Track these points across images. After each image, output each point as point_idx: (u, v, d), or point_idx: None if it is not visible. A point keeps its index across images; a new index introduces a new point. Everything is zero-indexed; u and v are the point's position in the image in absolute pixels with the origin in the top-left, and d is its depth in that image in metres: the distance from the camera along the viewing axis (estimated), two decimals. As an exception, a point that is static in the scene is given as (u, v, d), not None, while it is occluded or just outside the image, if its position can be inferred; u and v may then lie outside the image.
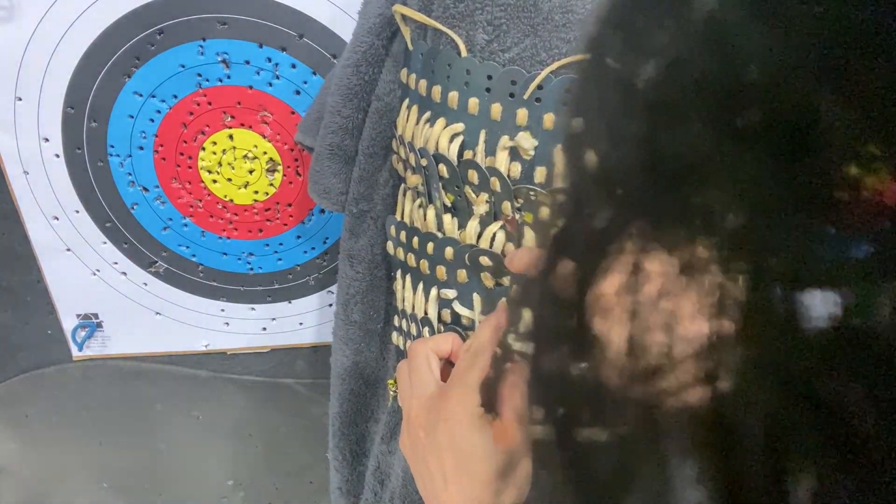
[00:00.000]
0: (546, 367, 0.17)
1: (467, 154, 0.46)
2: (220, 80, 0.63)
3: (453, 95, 0.46)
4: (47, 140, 0.65)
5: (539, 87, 0.43)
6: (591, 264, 0.15)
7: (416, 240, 0.51)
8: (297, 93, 0.64)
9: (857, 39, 0.11)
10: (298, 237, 0.73)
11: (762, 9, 0.11)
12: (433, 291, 0.51)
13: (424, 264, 0.51)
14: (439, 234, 0.50)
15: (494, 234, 0.47)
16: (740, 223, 0.13)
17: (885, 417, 0.12)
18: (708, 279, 0.14)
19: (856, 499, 0.13)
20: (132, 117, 0.64)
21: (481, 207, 0.47)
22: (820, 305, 0.12)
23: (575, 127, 0.16)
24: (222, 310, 0.78)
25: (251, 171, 0.68)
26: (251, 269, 0.75)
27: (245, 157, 0.67)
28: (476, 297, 0.49)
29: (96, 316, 0.77)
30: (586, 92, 0.16)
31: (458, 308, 0.50)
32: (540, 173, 0.44)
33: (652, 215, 0.14)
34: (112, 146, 0.66)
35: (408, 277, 0.53)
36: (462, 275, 0.49)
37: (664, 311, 0.15)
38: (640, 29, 0.14)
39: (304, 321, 0.79)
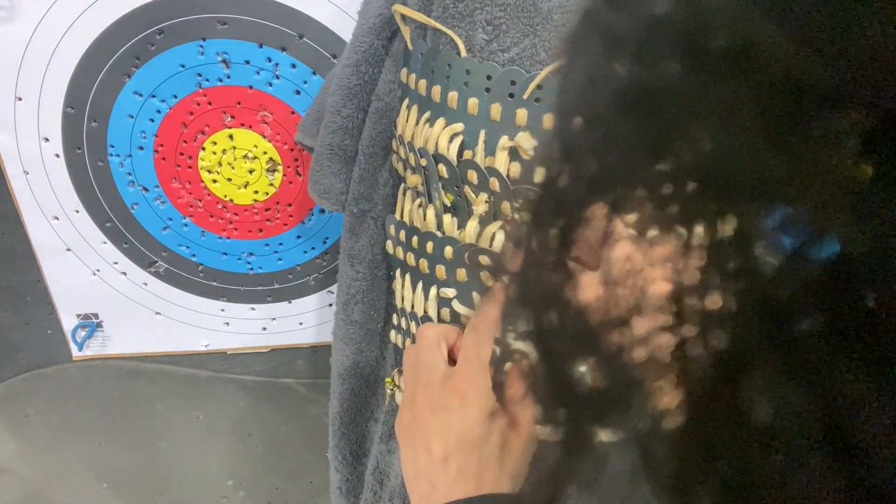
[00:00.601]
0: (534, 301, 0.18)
1: (467, 154, 0.46)
2: (220, 80, 0.63)
3: (453, 95, 0.46)
4: (47, 140, 0.65)
5: (539, 87, 0.43)
6: (567, 226, 0.17)
7: (415, 239, 0.51)
8: (297, 93, 0.64)
9: None
10: (298, 237, 0.73)
11: None
12: (433, 290, 0.51)
13: (424, 263, 0.51)
14: (439, 234, 0.50)
15: (494, 234, 0.47)
16: (712, 169, 0.14)
17: (833, 332, 0.13)
18: (676, 231, 0.15)
19: (803, 406, 0.14)
20: (132, 117, 0.64)
21: (481, 207, 0.47)
22: (778, 241, 0.14)
23: (560, 100, 0.17)
24: (222, 310, 0.78)
25: (251, 171, 0.68)
26: (251, 269, 0.75)
27: (245, 157, 0.67)
28: (475, 296, 0.49)
29: (96, 316, 0.77)
30: (573, 45, 0.17)
31: (458, 307, 0.50)
32: (540, 173, 0.44)
33: (626, 170, 0.16)
34: (112, 146, 0.66)
35: (407, 276, 0.53)
36: (461, 274, 0.49)
37: (632, 266, 0.16)
38: (618, 24, 0.15)
39: (304, 321, 0.79)
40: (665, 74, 0.14)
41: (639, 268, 0.16)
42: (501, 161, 0.45)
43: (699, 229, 0.15)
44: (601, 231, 0.16)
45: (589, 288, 0.17)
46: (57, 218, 0.69)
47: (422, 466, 0.42)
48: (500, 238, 0.47)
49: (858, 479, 0.14)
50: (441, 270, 0.50)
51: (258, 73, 0.63)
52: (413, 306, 0.53)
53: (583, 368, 0.18)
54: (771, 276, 0.14)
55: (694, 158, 0.14)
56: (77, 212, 0.69)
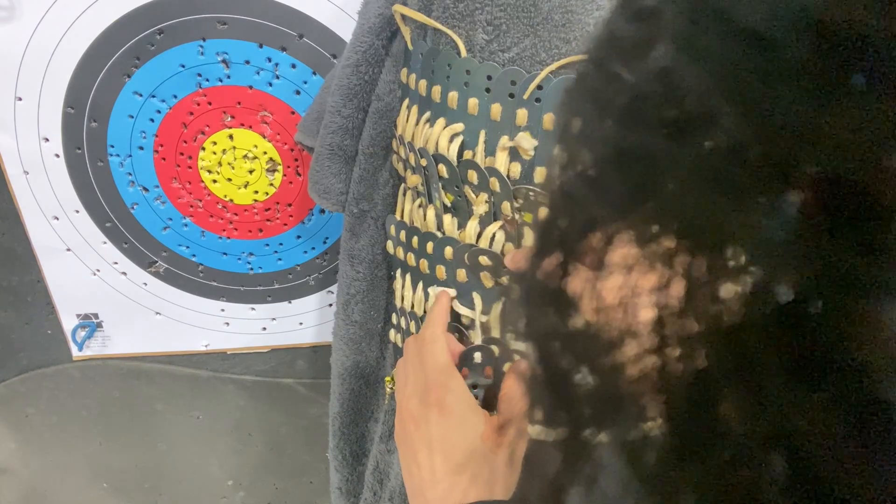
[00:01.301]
0: (535, 323, 0.21)
1: (467, 154, 0.46)
2: (220, 80, 0.63)
3: (453, 95, 0.46)
4: (47, 140, 0.65)
5: (539, 87, 0.43)
6: (567, 256, 0.20)
7: (415, 239, 0.51)
8: (297, 93, 0.64)
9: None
10: (298, 237, 0.73)
11: (699, 54, 0.16)
12: (433, 291, 0.51)
13: (424, 263, 0.51)
14: (439, 234, 0.50)
15: (494, 234, 0.47)
16: (683, 218, 0.17)
17: (791, 367, 0.16)
18: (658, 267, 0.18)
19: (761, 415, 0.16)
20: (132, 117, 0.64)
21: (481, 207, 0.47)
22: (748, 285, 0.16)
23: (560, 133, 0.20)
24: (222, 310, 0.78)
25: (251, 171, 0.68)
26: (251, 269, 0.75)
27: (245, 157, 0.67)
28: (475, 297, 0.49)
29: (96, 316, 0.77)
30: (569, 104, 0.20)
31: (458, 307, 0.50)
32: (539, 173, 0.44)
33: (615, 213, 0.19)
34: (112, 146, 0.66)
35: (408, 276, 0.53)
36: (461, 274, 0.49)
37: (623, 294, 0.19)
38: (609, 75, 0.18)
39: (304, 321, 0.79)
40: (643, 138, 0.17)
41: (628, 297, 0.19)
42: (501, 161, 0.45)
43: (678, 265, 0.17)
44: (595, 264, 0.19)
45: (585, 312, 0.20)
46: (57, 218, 0.69)
47: (415, 481, 0.43)
48: (500, 238, 0.47)
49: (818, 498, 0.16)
50: (441, 271, 0.50)
51: (258, 73, 0.63)
52: (413, 306, 0.53)
53: (579, 376, 0.20)
54: (737, 308, 0.16)
55: (670, 204, 0.17)
56: (77, 212, 0.69)
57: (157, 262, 0.74)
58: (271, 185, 0.69)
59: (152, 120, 0.64)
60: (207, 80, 0.63)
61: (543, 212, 0.45)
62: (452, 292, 0.50)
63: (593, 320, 0.19)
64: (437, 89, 0.47)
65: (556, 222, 0.20)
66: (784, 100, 0.15)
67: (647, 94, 0.17)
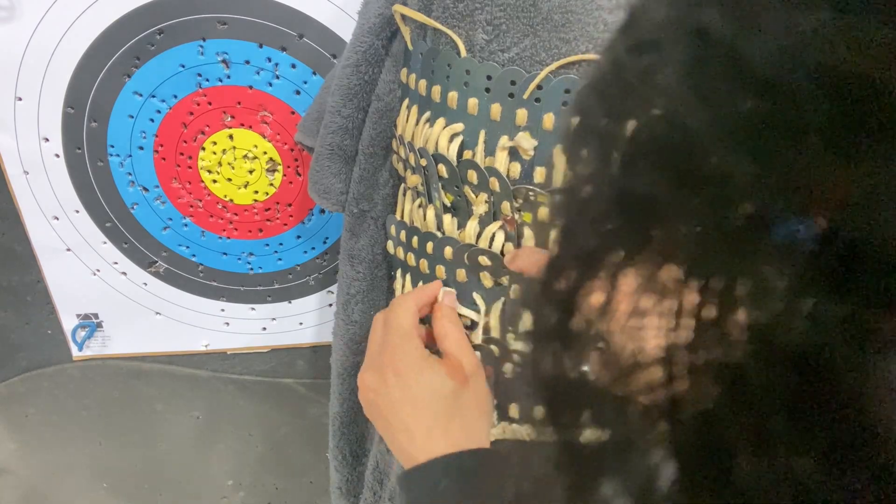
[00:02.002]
0: (542, 365, 0.21)
1: (467, 154, 0.46)
2: (220, 80, 0.63)
3: (453, 95, 0.46)
4: (47, 140, 0.65)
5: (539, 87, 0.43)
6: (580, 281, 0.20)
7: (415, 239, 0.51)
8: (297, 93, 0.64)
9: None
10: (298, 237, 0.73)
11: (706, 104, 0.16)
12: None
13: (424, 263, 0.51)
14: (439, 234, 0.50)
15: (494, 234, 0.47)
16: (691, 252, 0.17)
17: (794, 408, 0.16)
18: (668, 297, 0.18)
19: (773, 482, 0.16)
20: (132, 117, 0.64)
21: (480, 207, 0.47)
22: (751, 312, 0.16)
23: (569, 158, 0.20)
24: (222, 310, 0.78)
25: (251, 171, 0.68)
26: (251, 269, 0.75)
27: (245, 157, 0.67)
28: (475, 297, 0.49)
29: (96, 316, 0.77)
30: (579, 134, 0.20)
31: (458, 307, 0.50)
32: (539, 173, 0.44)
33: (625, 244, 0.18)
34: (112, 146, 0.66)
35: (408, 276, 0.53)
36: (461, 274, 0.49)
37: (633, 324, 0.19)
38: (614, 115, 0.18)
39: (304, 321, 0.79)
40: (648, 185, 0.17)
41: (637, 328, 0.19)
42: (501, 161, 0.45)
43: (687, 303, 0.17)
44: (605, 297, 0.19)
45: (595, 338, 0.20)
46: (57, 218, 0.69)
47: (396, 445, 0.44)
48: (499, 238, 0.47)
49: None
50: (441, 271, 0.50)
51: (258, 73, 0.63)
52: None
53: (585, 367, 0.20)
54: (744, 348, 0.16)
55: (675, 247, 0.17)
56: (77, 212, 0.69)
57: (157, 262, 0.74)
58: (271, 185, 0.69)
59: (152, 120, 0.64)
60: (207, 80, 0.63)
61: (543, 212, 0.45)
62: (452, 292, 0.50)
63: (605, 341, 0.20)
64: (436, 89, 0.47)
65: (574, 240, 0.20)
66: (804, 155, 0.14)
67: (652, 138, 0.17)
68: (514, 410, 0.50)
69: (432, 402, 0.43)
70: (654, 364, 0.18)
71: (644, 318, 0.18)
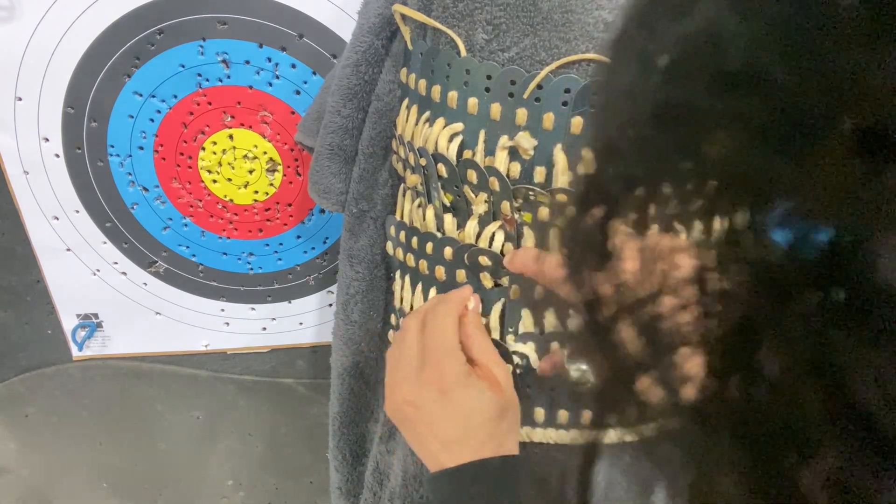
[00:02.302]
0: (576, 283, 0.21)
1: (466, 154, 0.46)
2: (220, 80, 0.63)
3: (452, 95, 0.46)
4: (47, 140, 0.65)
5: (539, 86, 0.43)
6: (610, 210, 0.20)
7: (415, 239, 0.51)
8: (297, 93, 0.64)
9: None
10: (298, 237, 0.73)
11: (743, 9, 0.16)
12: (432, 292, 0.51)
13: (423, 264, 0.51)
14: (438, 234, 0.50)
15: (493, 234, 0.47)
16: (726, 172, 0.17)
17: (830, 307, 0.16)
18: (696, 222, 0.18)
19: (805, 371, 0.17)
20: (132, 117, 0.64)
21: (480, 207, 0.47)
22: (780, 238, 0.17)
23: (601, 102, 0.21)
24: (222, 310, 0.78)
25: (251, 171, 0.68)
26: (251, 269, 0.75)
27: (245, 157, 0.67)
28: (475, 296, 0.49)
29: (96, 316, 0.77)
30: (614, 61, 0.20)
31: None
32: (539, 173, 0.44)
33: (657, 170, 0.19)
34: (112, 146, 0.66)
35: (407, 277, 0.53)
36: (461, 274, 0.49)
37: (662, 247, 0.19)
38: (653, 31, 0.18)
39: (304, 321, 0.79)
40: (691, 92, 0.17)
41: (668, 251, 0.19)
42: (501, 161, 0.45)
43: (717, 220, 0.17)
44: (636, 221, 0.20)
45: (628, 263, 0.20)
46: (57, 218, 0.69)
47: (424, 451, 0.44)
48: (499, 238, 0.47)
49: (859, 441, 0.16)
50: (440, 271, 0.50)
51: (258, 73, 0.63)
52: (412, 307, 0.53)
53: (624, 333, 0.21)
54: (776, 259, 0.17)
55: (713, 160, 0.17)
56: (77, 212, 0.69)
57: (157, 262, 0.74)
58: (271, 185, 0.69)
59: (152, 120, 0.64)
60: (207, 80, 0.63)
61: (543, 212, 0.46)
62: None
63: (634, 274, 0.20)
64: (436, 89, 0.47)
65: (602, 175, 0.21)
66: (835, 50, 0.15)
67: (693, 51, 0.17)
68: (539, 415, 0.50)
69: (473, 418, 0.43)
70: (683, 286, 0.19)
71: (674, 243, 0.19)
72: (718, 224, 0.18)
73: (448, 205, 0.49)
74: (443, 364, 0.44)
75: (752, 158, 0.16)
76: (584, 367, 0.43)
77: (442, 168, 0.47)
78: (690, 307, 0.19)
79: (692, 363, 0.19)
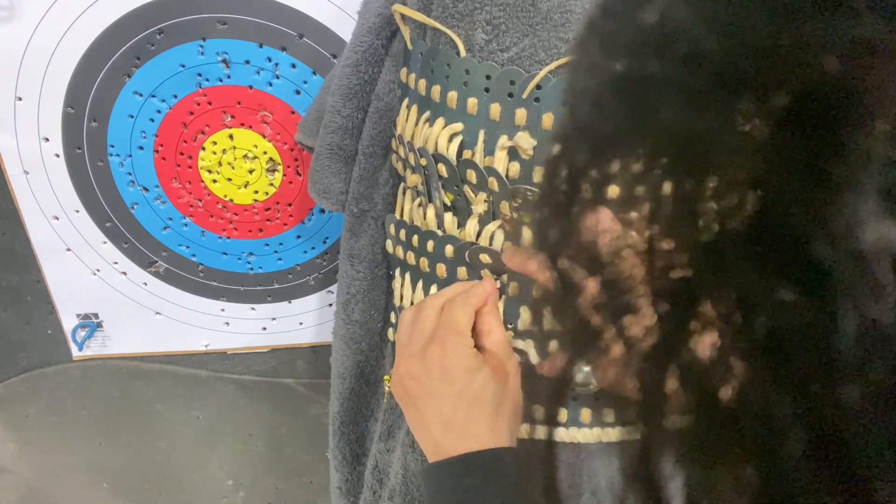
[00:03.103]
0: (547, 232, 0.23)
1: (466, 154, 0.46)
2: (220, 80, 0.63)
3: (452, 95, 0.46)
4: (47, 140, 0.65)
5: (538, 86, 0.43)
6: (572, 187, 0.22)
7: (415, 238, 0.51)
8: (297, 93, 0.64)
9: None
10: (298, 237, 0.73)
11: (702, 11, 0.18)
12: (433, 289, 0.51)
13: (424, 262, 0.51)
14: (439, 233, 0.50)
15: (493, 233, 0.47)
16: (670, 142, 0.19)
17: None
18: (645, 200, 0.20)
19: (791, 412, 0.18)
20: (132, 117, 0.64)
21: (480, 207, 0.47)
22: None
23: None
24: (222, 310, 0.78)
25: (251, 171, 0.68)
26: (251, 268, 0.75)
27: (245, 156, 0.67)
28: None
29: (96, 316, 0.77)
30: (581, 46, 0.22)
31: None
32: (539, 173, 0.44)
33: (613, 142, 0.21)
34: (112, 146, 0.66)
35: (407, 275, 0.53)
36: (462, 272, 0.49)
37: (621, 213, 0.21)
38: (612, 32, 0.20)
39: (304, 321, 0.79)
40: (647, 68, 0.19)
41: (625, 217, 0.21)
42: (500, 161, 0.45)
43: (666, 187, 0.19)
44: (594, 194, 0.21)
45: (590, 223, 0.22)
46: (57, 218, 0.69)
47: (423, 433, 0.44)
48: (499, 237, 0.47)
49: (845, 479, 0.17)
50: (441, 269, 0.50)
51: (258, 72, 0.63)
52: (412, 305, 0.53)
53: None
54: (714, 224, 0.18)
55: (658, 131, 0.19)
56: (77, 212, 0.69)
57: (157, 262, 0.74)
58: (271, 184, 0.69)
59: (152, 120, 0.65)
60: (207, 79, 0.63)
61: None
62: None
63: (596, 235, 0.22)
64: (436, 89, 0.47)
65: (567, 148, 0.22)
66: (750, 19, 0.16)
67: (647, 33, 0.19)
68: (539, 412, 0.50)
69: (475, 402, 0.43)
70: (636, 249, 0.21)
71: (626, 216, 0.21)
72: (669, 189, 0.19)
73: (448, 204, 0.49)
74: (448, 342, 0.44)
75: (694, 124, 0.18)
76: (586, 369, 0.43)
77: (442, 168, 0.47)
78: (644, 266, 0.21)
79: (646, 318, 0.21)
